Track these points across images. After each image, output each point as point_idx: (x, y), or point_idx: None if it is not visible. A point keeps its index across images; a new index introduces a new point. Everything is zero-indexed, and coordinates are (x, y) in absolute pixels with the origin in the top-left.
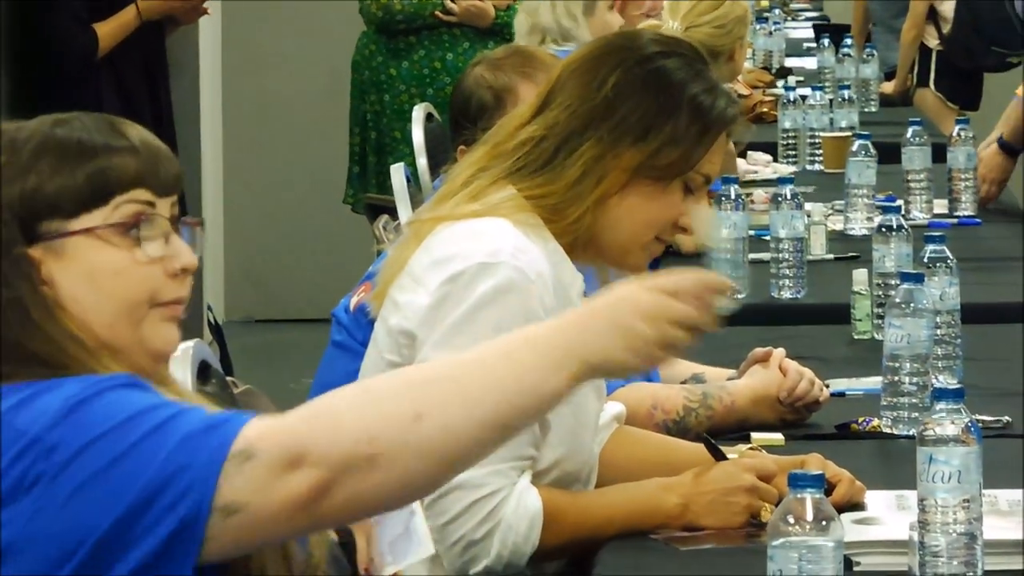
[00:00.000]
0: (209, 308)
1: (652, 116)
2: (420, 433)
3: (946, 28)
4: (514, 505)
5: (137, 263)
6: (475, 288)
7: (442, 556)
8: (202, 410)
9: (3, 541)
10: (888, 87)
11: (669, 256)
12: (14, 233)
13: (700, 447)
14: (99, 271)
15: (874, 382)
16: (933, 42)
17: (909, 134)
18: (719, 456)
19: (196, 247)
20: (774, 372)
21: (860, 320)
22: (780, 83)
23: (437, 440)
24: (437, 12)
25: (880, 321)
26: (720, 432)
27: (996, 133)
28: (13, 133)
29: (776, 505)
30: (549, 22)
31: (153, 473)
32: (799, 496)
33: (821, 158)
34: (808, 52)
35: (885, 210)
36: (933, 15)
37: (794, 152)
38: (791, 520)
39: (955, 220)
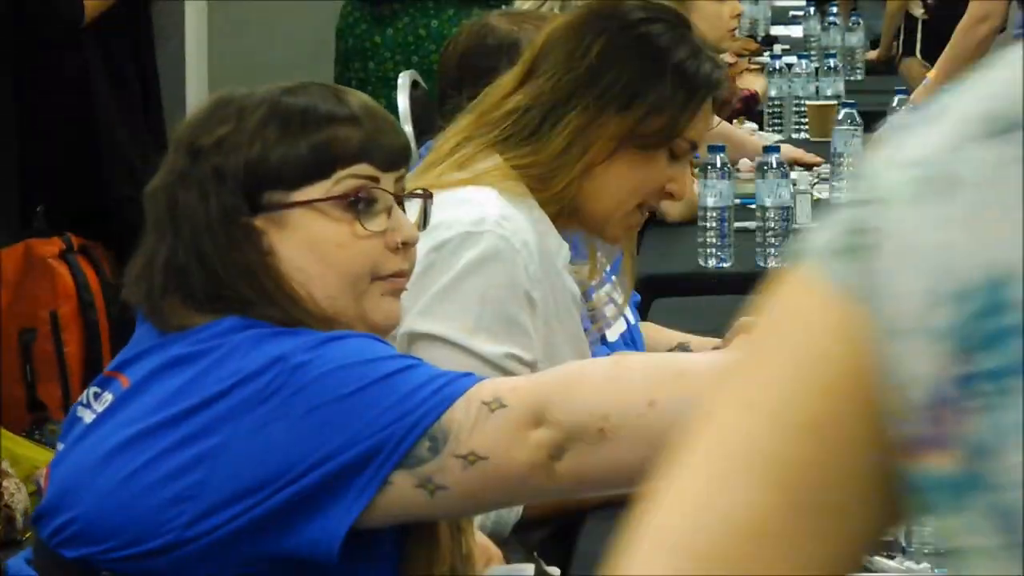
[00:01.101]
0: None
1: (637, 83)
2: (650, 419)
3: None
4: None
5: (357, 237)
6: (460, 257)
7: None
8: (440, 368)
9: (219, 445)
10: (873, 55)
11: (654, 224)
12: (239, 201)
13: None
14: (320, 243)
15: None
16: (918, 11)
17: (895, 103)
18: None
19: (426, 218)
20: None
21: None
22: (766, 52)
23: (665, 430)
24: None
25: None
26: None
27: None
28: (241, 101)
29: None
30: None
31: (388, 409)
32: None
33: (807, 127)
34: (794, 20)
35: None
36: None
37: (780, 121)
38: None
39: None
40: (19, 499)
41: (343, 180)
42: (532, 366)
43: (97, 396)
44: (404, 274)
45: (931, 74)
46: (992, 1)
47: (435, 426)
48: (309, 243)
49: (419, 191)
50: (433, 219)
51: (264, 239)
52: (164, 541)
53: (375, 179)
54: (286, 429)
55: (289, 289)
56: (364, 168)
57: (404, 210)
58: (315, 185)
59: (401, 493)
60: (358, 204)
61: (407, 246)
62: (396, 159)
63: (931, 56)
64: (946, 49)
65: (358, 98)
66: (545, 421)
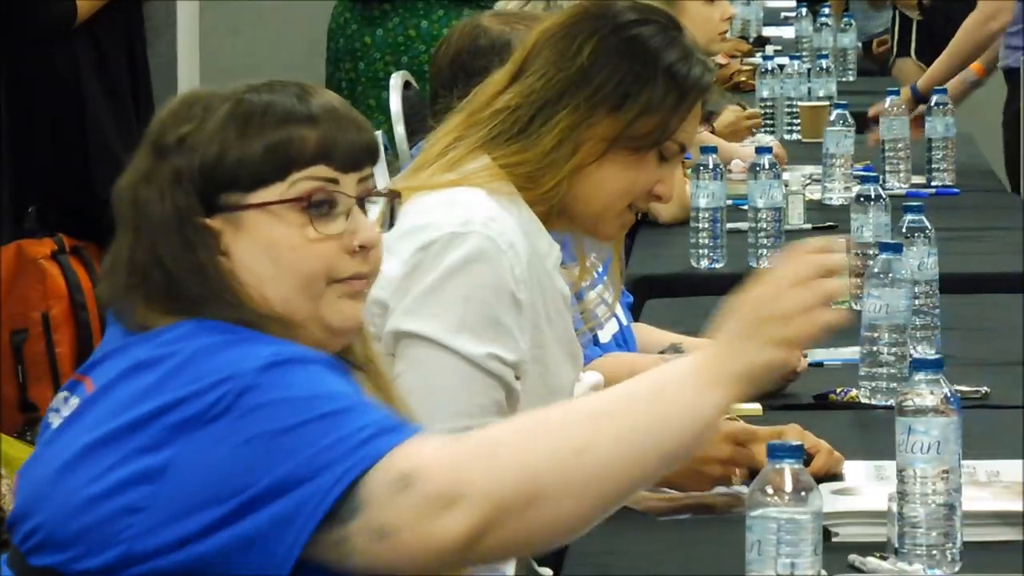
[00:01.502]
0: None
1: (628, 84)
2: (582, 468)
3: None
4: None
5: (311, 240)
6: (445, 257)
7: None
8: (379, 411)
9: (169, 460)
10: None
11: (646, 225)
12: (195, 202)
13: None
14: (275, 246)
15: (852, 352)
16: (914, 12)
17: (887, 103)
18: None
19: (391, 219)
20: None
21: None
22: (758, 52)
23: (598, 475)
24: None
25: (858, 291)
26: None
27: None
28: (208, 99)
29: (750, 477)
30: None
31: (313, 453)
32: (777, 466)
33: (799, 127)
34: (786, 21)
35: (863, 180)
36: None
37: (772, 121)
38: (770, 491)
39: (933, 190)
40: (11, 500)
41: (299, 183)
42: (515, 367)
43: (66, 400)
44: (364, 276)
45: (937, 64)
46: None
47: (357, 484)
48: (263, 246)
49: (384, 191)
50: (420, 220)
51: (220, 240)
52: (117, 553)
53: (334, 180)
54: (229, 452)
55: (242, 291)
56: (321, 170)
57: (366, 212)
58: (270, 187)
59: (322, 547)
60: (313, 207)
61: (365, 249)
62: (358, 159)
63: (925, 57)
64: (951, 44)
65: (323, 97)
66: (463, 503)
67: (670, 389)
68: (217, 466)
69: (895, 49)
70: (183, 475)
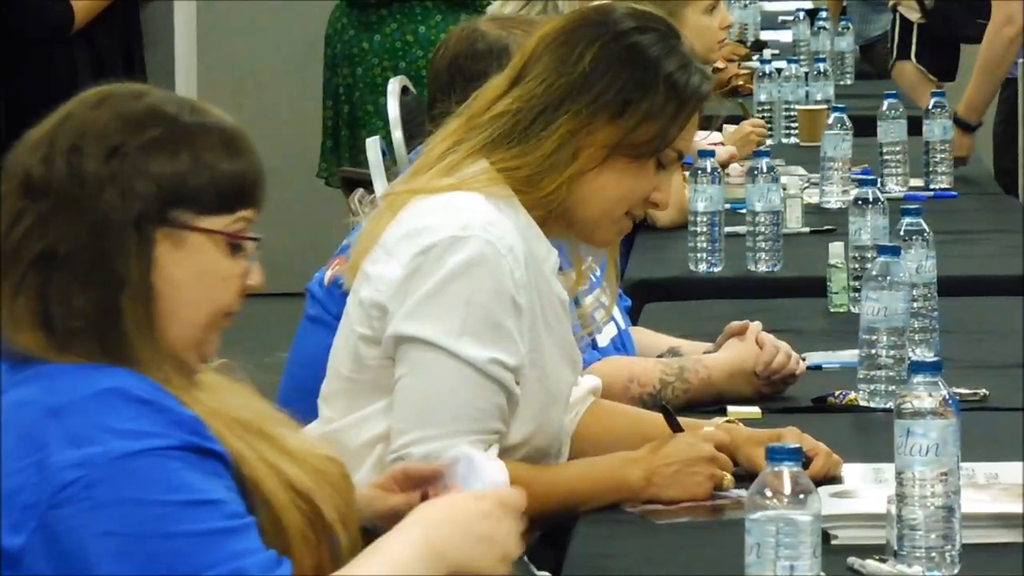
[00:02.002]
0: None
1: (629, 92)
2: None
3: (927, 1)
4: None
5: (236, 275)
6: (446, 261)
7: None
8: (253, 533)
9: (24, 546)
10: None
11: (644, 229)
12: (152, 210)
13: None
14: (208, 273)
15: (851, 355)
16: (914, 15)
17: (884, 107)
18: (676, 427)
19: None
20: (750, 346)
21: (836, 293)
22: (755, 56)
23: None
24: None
25: (856, 294)
26: (697, 405)
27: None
28: (175, 109)
29: (744, 477)
30: None
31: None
32: (776, 469)
33: (796, 131)
34: (783, 25)
35: (861, 183)
36: None
37: (769, 125)
38: (769, 493)
39: (931, 193)
40: None
41: (240, 220)
42: (516, 371)
43: None
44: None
45: (969, 90)
46: (1014, 2)
47: None
48: (198, 270)
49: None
50: (419, 223)
51: (153, 252)
52: None
53: (252, 221)
54: (79, 542)
55: (142, 311)
56: (251, 212)
57: None
58: (220, 217)
59: None
60: (239, 245)
61: (251, 290)
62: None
63: (925, 60)
64: (978, 60)
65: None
66: None
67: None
68: (70, 553)
69: (894, 52)
70: (38, 562)
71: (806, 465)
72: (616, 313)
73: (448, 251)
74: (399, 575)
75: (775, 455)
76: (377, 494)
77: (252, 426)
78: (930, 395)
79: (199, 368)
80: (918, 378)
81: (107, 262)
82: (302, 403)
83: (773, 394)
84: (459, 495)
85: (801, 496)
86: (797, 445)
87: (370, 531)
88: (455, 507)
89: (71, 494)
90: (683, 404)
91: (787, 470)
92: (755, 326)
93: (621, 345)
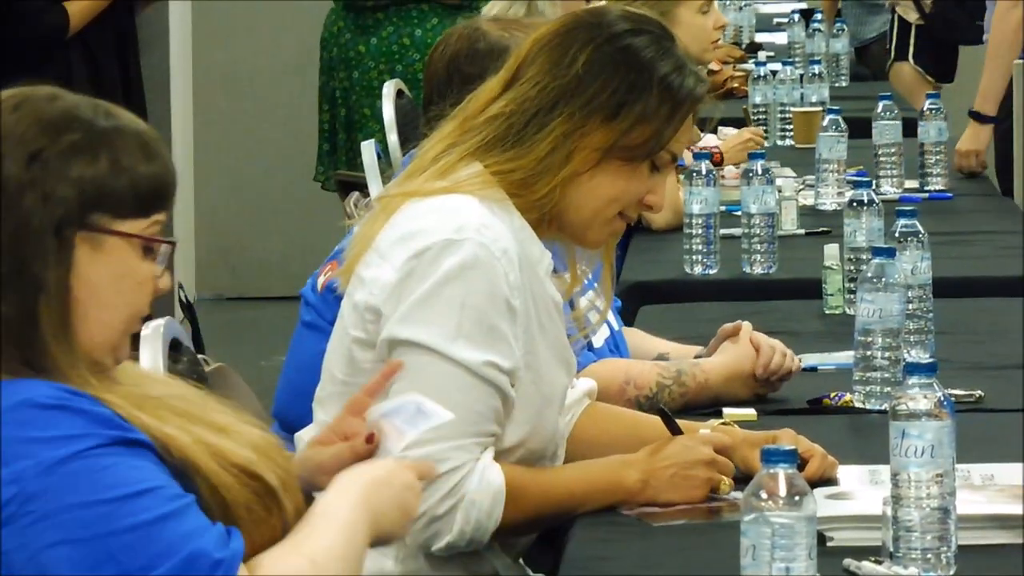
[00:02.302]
0: (180, 286)
1: (623, 94)
2: None
3: (924, 3)
4: (477, 480)
5: (150, 279)
6: (440, 264)
7: None
8: (196, 510)
9: None
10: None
11: (640, 231)
12: (72, 215)
13: None
14: (125, 277)
15: (846, 357)
16: (912, 16)
17: (879, 108)
18: (675, 430)
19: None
20: (746, 348)
21: (832, 295)
22: (751, 58)
23: None
24: None
25: (852, 296)
26: (692, 408)
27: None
28: (90, 112)
29: (744, 482)
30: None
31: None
32: (772, 471)
33: (792, 133)
34: (778, 27)
35: (856, 185)
36: None
37: (765, 127)
38: (764, 495)
39: (926, 194)
40: None
41: (154, 224)
42: (511, 374)
43: None
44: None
45: (985, 76)
46: None
47: None
48: (116, 274)
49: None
50: (413, 227)
51: (74, 254)
52: None
53: (164, 224)
54: (30, 558)
55: (59, 317)
56: (163, 215)
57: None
58: (137, 221)
59: None
60: (152, 248)
61: (161, 294)
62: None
63: (924, 61)
64: (988, 48)
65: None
66: None
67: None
68: (28, 571)
69: (892, 53)
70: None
71: (801, 467)
72: (609, 315)
73: (442, 254)
74: (345, 537)
75: (770, 457)
76: (316, 450)
77: (181, 410)
78: (925, 397)
79: (114, 369)
80: (913, 380)
81: (26, 268)
82: (299, 408)
83: (769, 394)
84: (392, 462)
85: (796, 498)
86: (792, 447)
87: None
88: (391, 474)
89: (11, 512)
90: (679, 407)
91: (782, 472)
92: (746, 327)
93: (615, 346)
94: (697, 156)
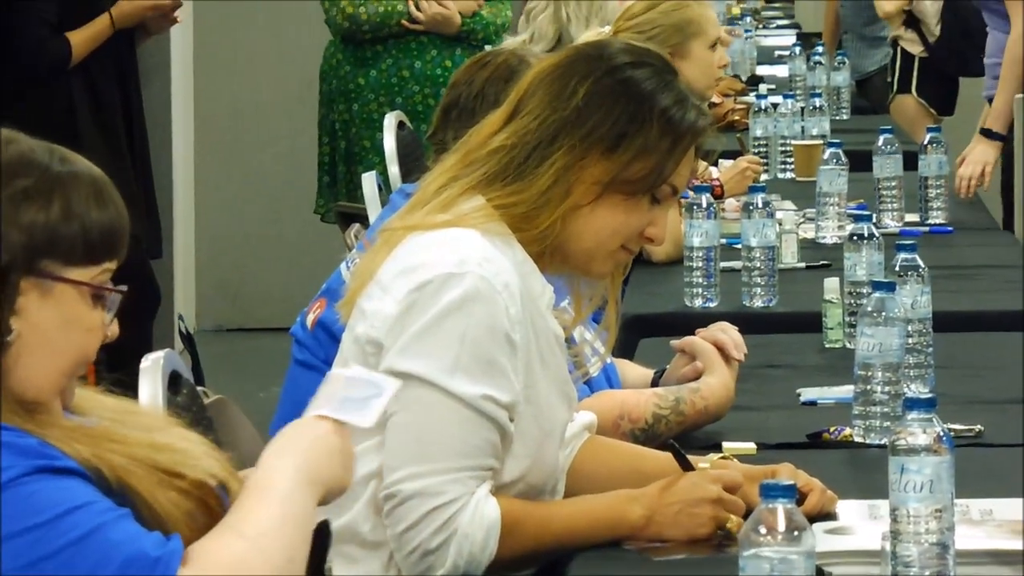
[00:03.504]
0: (180, 318)
1: (623, 126)
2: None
3: (929, 35)
4: (471, 514)
5: (100, 326)
6: (441, 297)
7: (400, 563)
8: (130, 520)
9: None
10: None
11: (640, 264)
12: (20, 261)
13: (671, 457)
14: (73, 323)
15: (846, 391)
16: (916, 49)
17: (880, 142)
18: (686, 466)
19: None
20: (714, 359)
21: (831, 329)
22: (752, 91)
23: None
24: (403, 21)
25: (852, 330)
26: (691, 441)
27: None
28: (46, 157)
29: (743, 516)
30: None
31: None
32: (770, 506)
33: (792, 166)
34: (780, 60)
35: (856, 218)
36: (915, 22)
37: (765, 160)
38: (762, 530)
39: (927, 228)
40: None
41: (104, 272)
42: (509, 408)
43: None
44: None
45: (998, 95)
46: None
47: None
48: (64, 320)
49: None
50: (415, 260)
51: (19, 299)
52: None
53: (112, 272)
54: None
55: (7, 356)
56: (115, 263)
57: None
58: (86, 268)
59: None
60: (101, 296)
61: (106, 340)
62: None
63: (927, 94)
64: (1002, 70)
65: (117, 194)
66: None
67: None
68: None
69: (895, 86)
70: None
71: (801, 501)
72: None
73: (443, 287)
74: (287, 509)
75: (769, 492)
76: None
77: (119, 435)
78: (924, 431)
79: (58, 416)
80: (912, 414)
81: None
82: None
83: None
84: (304, 419)
85: (795, 533)
86: (791, 482)
87: None
88: (313, 428)
89: None
90: (677, 435)
91: (781, 507)
92: (688, 340)
93: (606, 379)
94: (697, 189)
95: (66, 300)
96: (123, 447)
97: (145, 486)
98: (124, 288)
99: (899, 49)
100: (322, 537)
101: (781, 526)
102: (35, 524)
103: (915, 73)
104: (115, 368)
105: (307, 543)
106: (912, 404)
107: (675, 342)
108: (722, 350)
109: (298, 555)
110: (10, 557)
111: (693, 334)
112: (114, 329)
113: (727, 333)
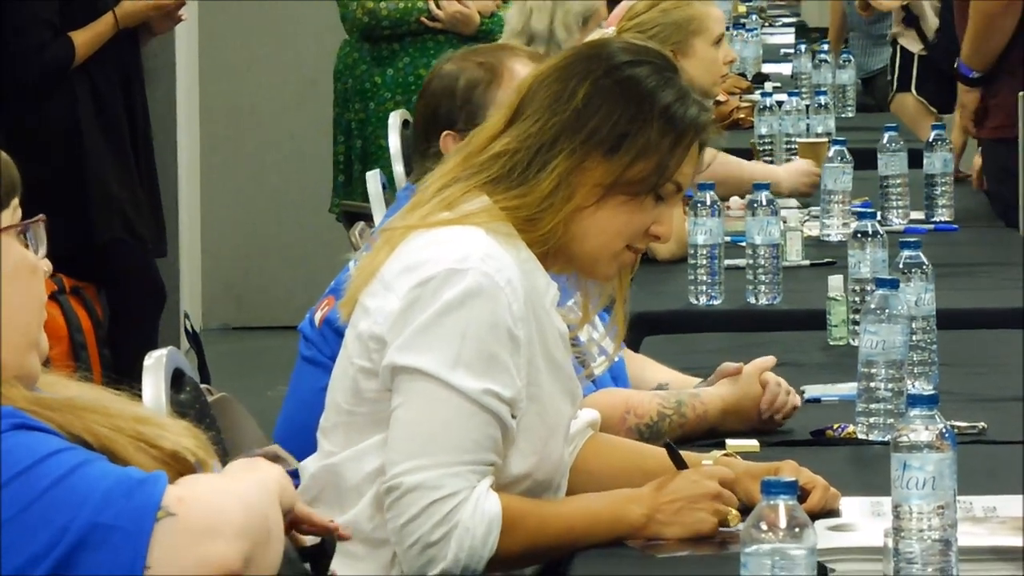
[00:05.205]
0: (186, 316)
1: (623, 126)
2: None
3: (929, 33)
4: (471, 508)
5: (37, 263)
6: (443, 293)
7: (401, 557)
8: (105, 461)
9: None
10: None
11: (644, 262)
12: None
13: None
14: (21, 269)
15: (849, 388)
16: (916, 47)
17: (885, 139)
18: (680, 464)
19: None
20: (748, 385)
21: (836, 326)
22: (757, 89)
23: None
24: (422, 18)
25: (856, 327)
26: (694, 438)
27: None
28: None
29: (741, 511)
30: (541, 28)
31: (75, 521)
32: (772, 503)
33: None
34: (785, 58)
35: (860, 216)
36: (914, 21)
37: (770, 158)
38: (764, 527)
39: (932, 226)
40: None
41: (16, 209)
42: (511, 404)
43: None
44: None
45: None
46: None
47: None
48: (13, 270)
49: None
50: (418, 256)
51: None
52: None
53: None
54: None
55: None
56: (17, 199)
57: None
58: (3, 213)
59: None
60: (29, 232)
61: (44, 275)
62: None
63: (926, 92)
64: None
65: None
66: (225, 534)
67: None
68: None
69: (894, 84)
70: None
71: (804, 499)
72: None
73: (445, 283)
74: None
75: (770, 489)
76: None
77: (100, 407)
78: (927, 428)
79: (38, 372)
80: (915, 411)
81: None
82: (298, 443)
83: (768, 430)
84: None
85: (796, 530)
86: (792, 479)
87: None
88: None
89: None
90: (678, 438)
91: (782, 503)
92: (764, 362)
93: (613, 375)
94: (701, 187)
95: (3, 251)
96: (106, 418)
97: (130, 452)
98: (42, 216)
99: (899, 47)
100: (325, 545)
101: (782, 523)
102: (16, 473)
103: (915, 71)
104: (120, 366)
105: (280, 524)
106: (914, 401)
107: (727, 365)
108: (764, 386)
109: (275, 522)
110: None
111: (698, 332)
112: (47, 263)
113: (780, 390)
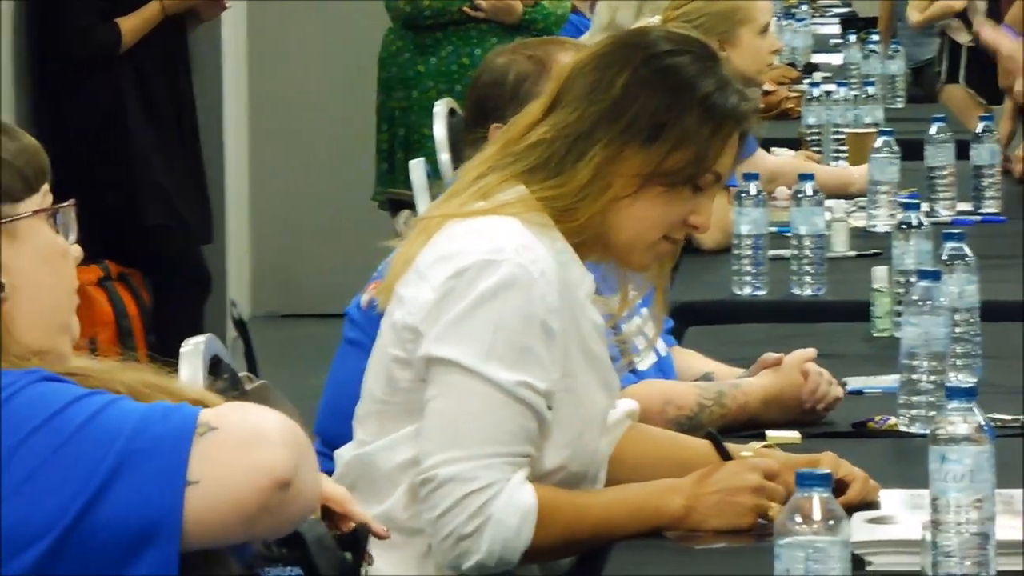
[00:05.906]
0: (233, 304)
1: (662, 115)
2: None
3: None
4: (505, 500)
5: (68, 248)
6: (477, 284)
7: (435, 548)
8: (134, 401)
9: None
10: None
11: (688, 252)
12: None
13: (711, 446)
14: (51, 253)
15: (892, 380)
16: (964, 38)
17: (933, 130)
18: (724, 455)
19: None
20: (790, 375)
21: (880, 318)
22: (806, 79)
23: None
24: (465, 7)
25: (900, 319)
26: (734, 429)
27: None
28: None
29: (784, 503)
30: (628, 23)
31: (111, 452)
32: (806, 495)
33: (845, 154)
34: (835, 48)
35: (905, 207)
36: (962, 12)
37: (818, 148)
38: (798, 519)
39: (979, 217)
40: None
41: (46, 194)
42: (547, 396)
43: None
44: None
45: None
46: None
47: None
48: (42, 254)
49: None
50: (453, 247)
51: None
52: None
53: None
54: (14, 491)
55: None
56: (47, 185)
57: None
58: (31, 198)
59: None
60: (56, 217)
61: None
62: None
63: (975, 84)
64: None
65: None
66: (269, 441)
67: None
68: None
69: (943, 75)
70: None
71: (843, 491)
72: (658, 342)
73: (480, 274)
74: None
75: (804, 480)
76: None
77: (121, 367)
78: (965, 421)
79: (70, 354)
80: (953, 404)
81: None
82: (338, 425)
83: (810, 421)
84: None
85: (831, 522)
86: (827, 471)
87: None
88: None
89: None
90: (719, 429)
91: (817, 496)
92: (805, 353)
93: (659, 372)
94: (747, 177)
95: (33, 235)
96: (134, 375)
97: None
98: (73, 201)
99: (947, 39)
100: (358, 539)
101: (817, 515)
102: (48, 416)
103: (963, 62)
104: (166, 352)
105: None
106: (952, 393)
107: (768, 356)
108: (806, 376)
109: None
110: (31, 456)
111: (741, 322)
112: (78, 249)
113: (822, 379)
